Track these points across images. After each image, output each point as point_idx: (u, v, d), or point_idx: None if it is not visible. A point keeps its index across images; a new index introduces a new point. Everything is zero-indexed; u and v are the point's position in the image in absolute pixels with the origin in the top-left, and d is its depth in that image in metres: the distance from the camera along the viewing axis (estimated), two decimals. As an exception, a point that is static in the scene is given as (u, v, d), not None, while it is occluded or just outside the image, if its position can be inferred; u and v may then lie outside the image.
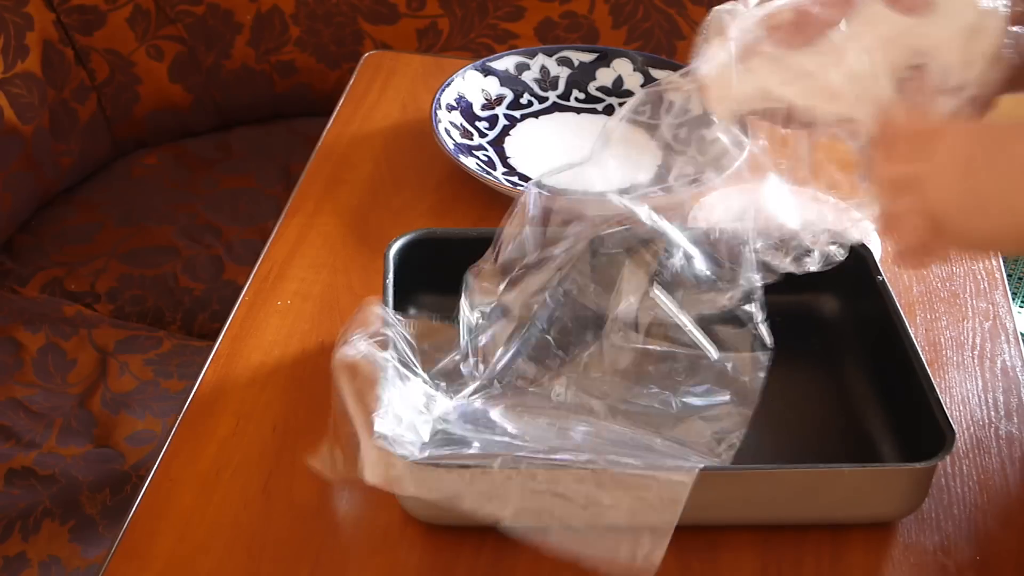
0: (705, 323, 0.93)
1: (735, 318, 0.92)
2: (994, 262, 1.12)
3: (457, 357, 0.91)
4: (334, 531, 0.86)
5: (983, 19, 0.78)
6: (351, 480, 0.81)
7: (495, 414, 0.87)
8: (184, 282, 1.53)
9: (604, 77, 1.33)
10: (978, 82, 0.79)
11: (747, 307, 0.92)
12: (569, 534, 0.80)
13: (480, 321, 0.92)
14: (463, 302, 0.92)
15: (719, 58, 0.84)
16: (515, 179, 1.21)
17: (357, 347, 0.85)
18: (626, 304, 0.93)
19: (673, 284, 0.93)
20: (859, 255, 0.99)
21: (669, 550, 0.84)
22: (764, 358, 0.91)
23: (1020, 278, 1.85)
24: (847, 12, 0.80)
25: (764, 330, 0.92)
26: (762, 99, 0.84)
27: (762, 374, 0.91)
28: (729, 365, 0.92)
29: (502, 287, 0.93)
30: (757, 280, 0.91)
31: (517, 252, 0.93)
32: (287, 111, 1.82)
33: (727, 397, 0.91)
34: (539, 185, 0.94)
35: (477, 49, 1.72)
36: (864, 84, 0.80)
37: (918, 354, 0.90)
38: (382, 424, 0.81)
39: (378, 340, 0.87)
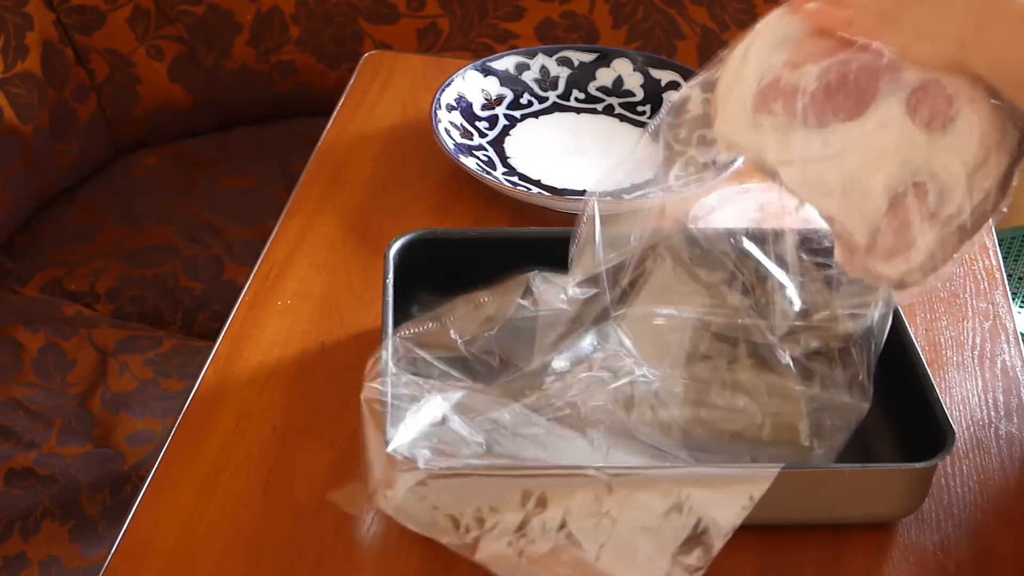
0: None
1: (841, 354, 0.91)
2: (994, 262, 1.12)
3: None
4: (334, 531, 0.86)
5: (992, 154, 0.76)
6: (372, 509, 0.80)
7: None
8: (184, 282, 1.53)
9: (604, 77, 1.33)
10: (972, 213, 0.77)
11: (853, 351, 0.90)
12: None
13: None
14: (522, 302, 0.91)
15: (736, 90, 0.81)
16: (515, 179, 1.21)
17: (369, 393, 0.84)
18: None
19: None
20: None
21: (669, 550, 0.84)
22: (863, 408, 0.89)
23: (1020, 278, 1.85)
24: (866, 107, 0.77)
25: (867, 380, 0.90)
26: (758, 158, 0.82)
27: (851, 427, 0.89)
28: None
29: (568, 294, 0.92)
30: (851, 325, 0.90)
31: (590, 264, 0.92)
32: (287, 111, 1.81)
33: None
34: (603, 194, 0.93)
35: (477, 49, 1.72)
36: (858, 190, 0.78)
37: (918, 354, 0.90)
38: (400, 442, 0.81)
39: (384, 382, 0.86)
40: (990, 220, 0.79)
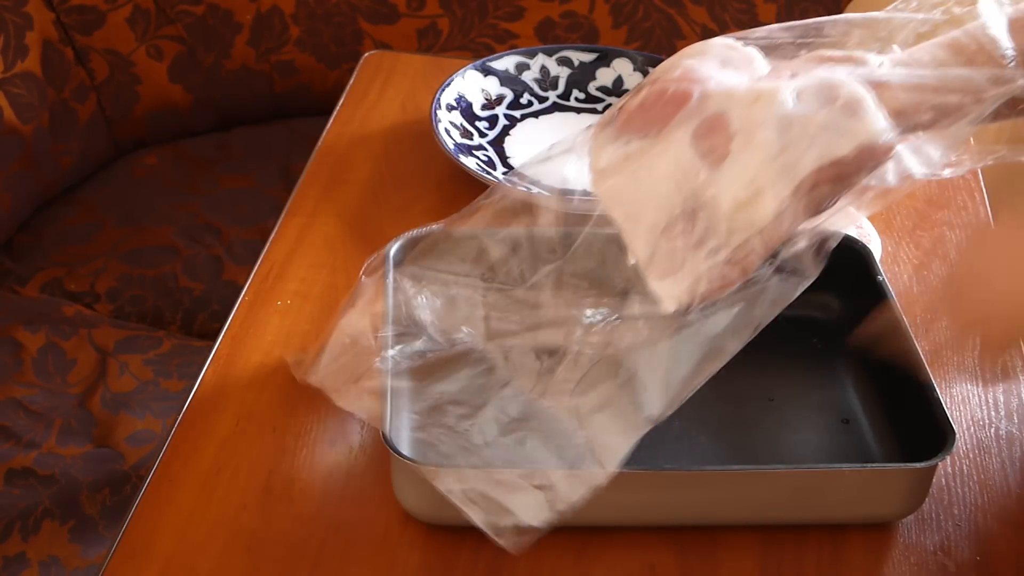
0: None
1: None
2: (994, 262, 1.12)
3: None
4: (334, 531, 0.86)
5: (756, 197, 0.75)
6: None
7: None
8: (184, 282, 1.53)
9: (604, 77, 1.33)
10: (740, 250, 0.76)
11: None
12: None
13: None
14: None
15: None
16: (515, 179, 1.21)
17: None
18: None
19: None
20: (859, 255, 0.99)
21: (669, 550, 0.85)
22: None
23: (1020, 278, 1.85)
24: (664, 127, 0.78)
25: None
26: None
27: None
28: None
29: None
30: None
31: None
32: (287, 111, 1.82)
33: None
34: (516, 175, 0.95)
35: (477, 49, 1.72)
36: (639, 205, 0.79)
37: (918, 354, 0.90)
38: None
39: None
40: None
